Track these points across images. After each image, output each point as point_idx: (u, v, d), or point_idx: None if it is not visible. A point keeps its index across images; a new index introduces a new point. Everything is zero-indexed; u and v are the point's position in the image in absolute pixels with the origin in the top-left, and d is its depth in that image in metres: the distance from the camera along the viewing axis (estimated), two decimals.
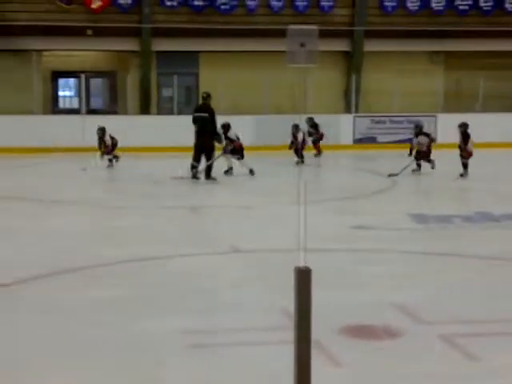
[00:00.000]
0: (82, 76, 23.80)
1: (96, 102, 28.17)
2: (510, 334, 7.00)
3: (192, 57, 25.81)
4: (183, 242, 10.59)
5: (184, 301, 7.85)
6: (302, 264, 2.82)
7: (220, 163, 17.35)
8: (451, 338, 6.78)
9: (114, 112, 25.82)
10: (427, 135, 18.47)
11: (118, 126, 19.36)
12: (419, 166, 18.16)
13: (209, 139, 16.18)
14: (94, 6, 24.56)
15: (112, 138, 18.14)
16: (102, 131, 18.29)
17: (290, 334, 5.53)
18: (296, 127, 19.58)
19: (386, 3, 26.20)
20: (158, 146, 17.00)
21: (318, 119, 21.82)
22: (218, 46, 25.18)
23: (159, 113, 25.14)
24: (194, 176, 16.08)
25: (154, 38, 25.02)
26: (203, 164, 16.46)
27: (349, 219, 12.20)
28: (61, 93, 29.41)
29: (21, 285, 8.36)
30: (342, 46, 26.15)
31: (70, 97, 29.65)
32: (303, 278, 2.76)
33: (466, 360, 6.32)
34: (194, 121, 16.27)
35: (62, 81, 29.14)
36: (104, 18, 24.71)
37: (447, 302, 7.87)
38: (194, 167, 16.15)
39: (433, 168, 17.97)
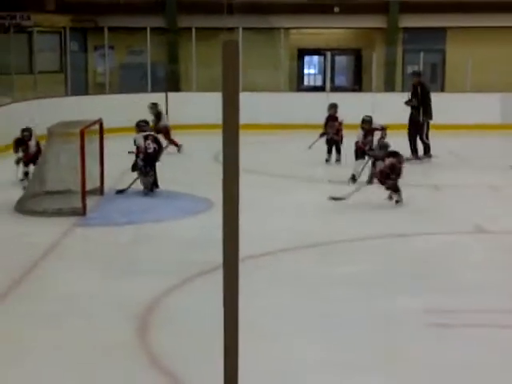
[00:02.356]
0: (328, 53, 24.02)
1: (340, 80, 28.36)
2: None
3: (439, 33, 25.31)
4: (425, 220, 10.45)
5: (427, 280, 7.76)
6: None
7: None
8: None
9: (358, 89, 25.87)
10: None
11: (362, 103, 19.34)
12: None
13: None
14: None
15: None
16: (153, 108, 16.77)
17: None
18: None
19: None
20: (403, 123, 16.83)
21: None
22: (466, 21, 24.49)
23: (404, 90, 24.89)
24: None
25: (401, 14, 24.77)
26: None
27: None
28: (306, 70, 29.88)
29: (268, 257, 8.61)
30: None
31: (315, 74, 30.04)
32: None
33: None
34: None
35: (307, 58, 29.59)
36: None
37: None
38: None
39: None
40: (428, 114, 15.76)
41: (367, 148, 12.80)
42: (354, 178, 12.44)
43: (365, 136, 13.31)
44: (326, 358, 5.81)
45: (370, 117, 13.60)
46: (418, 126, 15.71)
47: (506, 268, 8.21)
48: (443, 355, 5.86)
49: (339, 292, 7.34)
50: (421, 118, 15.68)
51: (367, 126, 13.48)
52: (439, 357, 5.84)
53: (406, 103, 15.93)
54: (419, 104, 15.75)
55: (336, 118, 15.26)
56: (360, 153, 13.08)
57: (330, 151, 15.20)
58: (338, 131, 15.06)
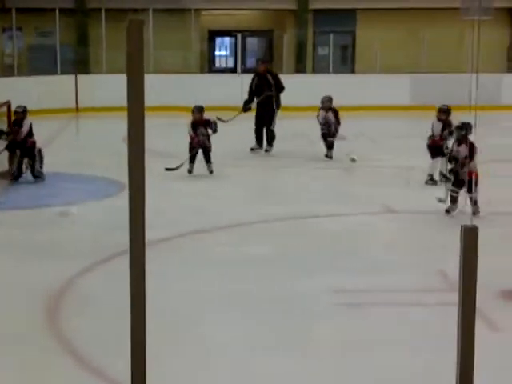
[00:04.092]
0: (239, 35, 23.99)
1: (251, 62, 28.35)
2: None
3: (349, 15, 25.54)
4: (336, 201, 10.54)
5: (337, 260, 7.83)
6: (469, 223, 2.71)
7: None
8: None
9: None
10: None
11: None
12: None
13: None
14: None
15: None
16: None
17: (447, 296, 5.43)
18: None
19: None
20: (313, 105, 16.94)
21: (479, 78, 21.19)
22: (376, 3, 24.78)
23: (314, 72, 25.08)
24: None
25: None
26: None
27: None
28: (217, 52, 29.80)
29: (181, 239, 8.58)
30: (506, 2, 25.15)
31: (226, 56, 29.98)
32: (470, 236, 2.64)
33: None
34: None
35: (218, 40, 29.50)
36: None
37: None
38: None
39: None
40: (279, 103, 14.84)
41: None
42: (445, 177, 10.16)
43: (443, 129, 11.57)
44: (234, 339, 5.81)
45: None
46: (272, 115, 14.69)
47: (415, 248, 8.34)
48: (352, 335, 5.93)
49: (250, 272, 7.34)
50: (275, 107, 14.73)
51: (444, 116, 11.78)
52: (348, 336, 5.90)
53: (245, 107, 14.93)
54: (276, 91, 14.75)
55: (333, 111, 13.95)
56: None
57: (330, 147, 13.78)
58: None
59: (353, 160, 12.17)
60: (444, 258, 7.13)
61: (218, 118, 13.23)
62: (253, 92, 14.84)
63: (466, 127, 9.60)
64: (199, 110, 12.33)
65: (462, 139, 9.65)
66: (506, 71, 24.10)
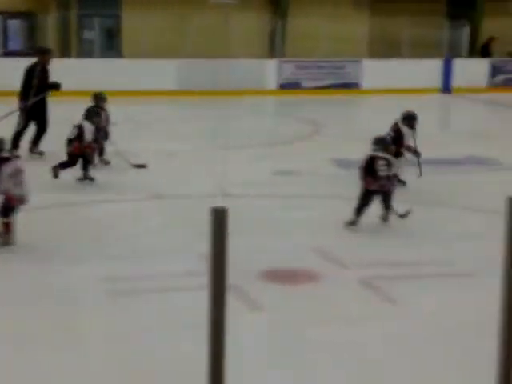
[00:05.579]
0: None
1: (14, 44, 27.32)
2: (429, 276, 7.08)
3: None
4: (102, 189, 10.39)
5: (107, 248, 7.72)
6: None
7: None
8: (370, 281, 6.82)
9: (32, 54, 25.06)
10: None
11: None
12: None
13: None
14: None
15: None
16: None
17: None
18: None
19: None
20: (79, 89, 16.57)
21: (243, 63, 21.74)
22: None
23: (80, 56, 24.56)
24: None
25: None
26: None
27: (271, 165, 12.12)
28: None
29: None
30: None
31: None
32: (219, 217, 2.64)
33: (383, 302, 6.40)
34: None
35: None
36: None
37: (368, 247, 7.91)
38: None
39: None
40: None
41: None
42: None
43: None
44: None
45: None
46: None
47: (182, 232, 8.37)
48: (118, 324, 5.86)
49: (15, 262, 7.11)
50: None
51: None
52: (114, 325, 5.83)
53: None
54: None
55: None
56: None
57: None
58: None
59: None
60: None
61: None
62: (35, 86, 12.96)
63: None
64: None
65: None
66: (269, 56, 24.77)
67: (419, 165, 10.51)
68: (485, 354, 3.78)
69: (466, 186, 10.91)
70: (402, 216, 8.42)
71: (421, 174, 10.51)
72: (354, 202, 8.42)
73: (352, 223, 8.38)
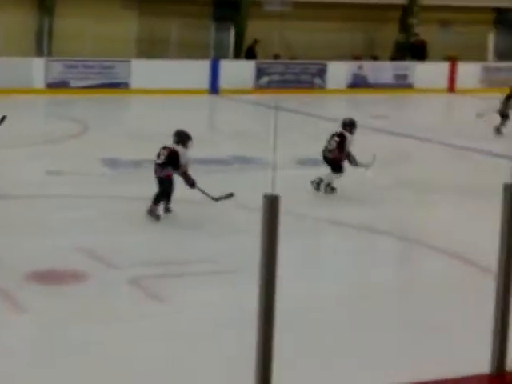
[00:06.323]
0: None
1: None
2: (196, 274, 7.28)
3: None
4: None
5: None
6: None
7: None
8: (138, 280, 6.93)
9: None
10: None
11: None
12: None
13: None
14: None
15: None
16: None
17: None
18: None
19: None
20: None
21: (8, 61, 21.11)
22: None
23: None
24: None
25: None
26: None
27: (41, 165, 11.90)
28: None
29: None
30: None
31: None
32: None
33: (149, 300, 6.52)
34: None
35: None
36: None
37: (136, 246, 8.00)
38: None
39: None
40: None
41: None
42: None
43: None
44: None
45: None
46: None
47: None
48: None
49: None
50: None
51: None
52: None
53: None
54: None
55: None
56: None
57: None
58: None
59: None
60: None
61: None
62: None
63: None
64: None
65: None
66: (35, 55, 24.21)
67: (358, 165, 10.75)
68: (246, 348, 3.90)
69: (231, 184, 11.24)
70: (217, 199, 8.90)
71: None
72: (124, 202, 8.48)
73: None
